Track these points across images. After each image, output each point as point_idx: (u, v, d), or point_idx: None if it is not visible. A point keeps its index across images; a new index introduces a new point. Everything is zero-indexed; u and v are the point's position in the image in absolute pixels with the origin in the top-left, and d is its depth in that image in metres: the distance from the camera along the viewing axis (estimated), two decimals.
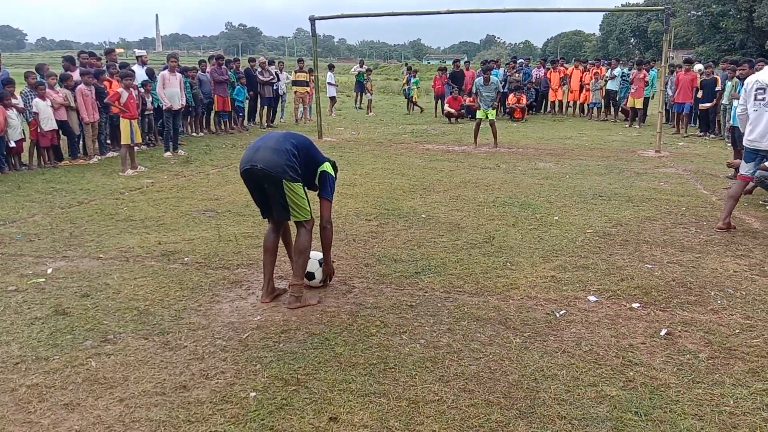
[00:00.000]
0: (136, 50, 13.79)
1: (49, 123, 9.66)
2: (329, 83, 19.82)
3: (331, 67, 20.75)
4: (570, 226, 6.34)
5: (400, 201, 7.50)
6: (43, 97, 9.65)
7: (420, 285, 4.65)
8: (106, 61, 12.03)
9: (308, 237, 4.23)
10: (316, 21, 13.38)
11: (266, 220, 4.46)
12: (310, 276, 4.53)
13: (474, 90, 12.70)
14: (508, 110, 18.24)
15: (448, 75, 19.54)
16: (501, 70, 19.52)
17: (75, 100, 10.11)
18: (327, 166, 4.38)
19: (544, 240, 5.84)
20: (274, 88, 16.12)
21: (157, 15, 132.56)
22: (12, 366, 3.43)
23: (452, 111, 17.96)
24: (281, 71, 17.19)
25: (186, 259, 5.26)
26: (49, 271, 4.94)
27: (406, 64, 21.88)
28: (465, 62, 21.85)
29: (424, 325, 3.95)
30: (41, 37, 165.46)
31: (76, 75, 10.51)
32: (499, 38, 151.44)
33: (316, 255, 4.57)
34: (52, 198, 7.64)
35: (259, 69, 15.80)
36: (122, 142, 9.33)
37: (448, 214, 6.80)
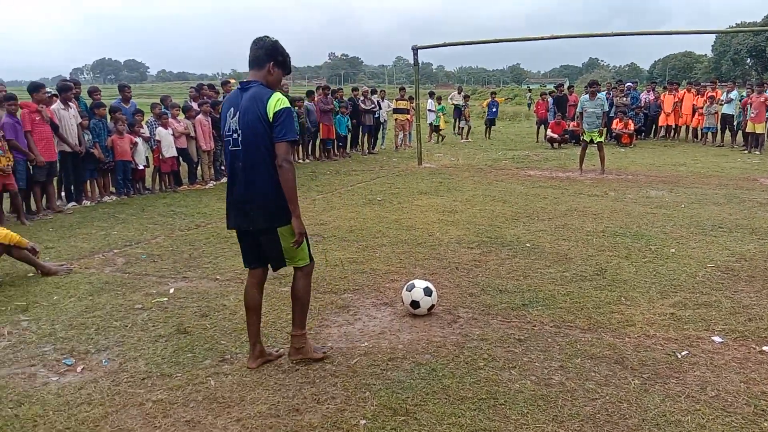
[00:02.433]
0: None
1: (170, 150, 10.40)
2: (429, 110, 20.01)
3: (431, 95, 20.97)
4: (688, 260, 5.97)
5: (502, 229, 7.38)
6: (165, 126, 10.42)
7: (528, 318, 4.53)
8: (223, 93, 12.82)
9: (307, 281, 3.78)
10: (419, 50, 13.60)
11: (248, 270, 3.88)
12: (415, 305, 4.54)
13: (579, 109, 12.33)
14: (614, 135, 17.58)
15: (551, 99, 19.18)
16: (603, 94, 18.89)
17: (194, 130, 10.83)
18: (284, 100, 3.49)
19: (661, 274, 5.53)
20: (376, 116, 16.50)
21: None
22: (139, 381, 3.66)
23: (555, 136, 17.56)
24: (383, 99, 17.57)
25: None
26: (171, 290, 5.27)
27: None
28: (569, 87, 21.34)
29: (534, 360, 3.84)
30: (161, 69, 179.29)
31: (195, 105, 11.27)
32: (602, 61, 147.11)
33: (421, 284, 4.58)
34: (173, 221, 8.18)
35: (362, 98, 16.24)
36: None
37: (555, 244, 6.61)
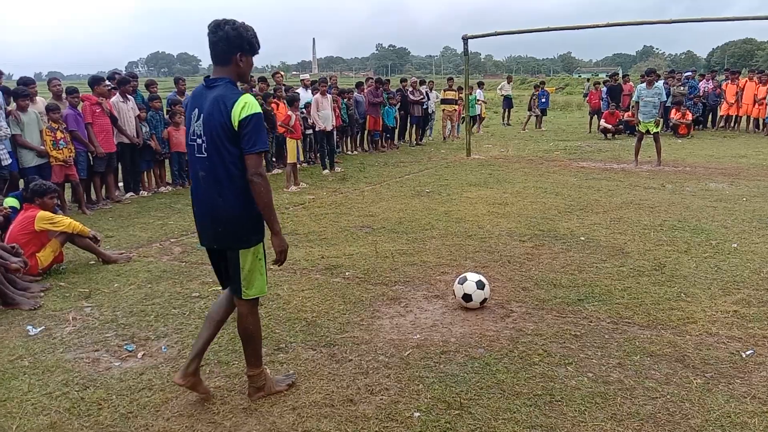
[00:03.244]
0: (300, 74, 14.70)
1: None
2: (478, 100, 19.77)
3: (480, 85, 20.73)
4: (752, 255, 5.73)
5: (555, 222, 7.25)
6: None
7: (584, 313, 4.44)
8: (274, 84, 12.99)
9: (256, 318, 3.36)
10: (469, 40, 13.44)
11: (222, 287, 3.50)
12: (467, 298, 4.50)
13: (635, 98, 11.93)
14: (671, 125, 16.99)
15: (604, 89, 18.69)
16: (660, 83, 18.29)
17: None
18: (251, 104, 2.99)
19: (723, 270, 5.33)
20: (424, 107, 16.42)
21: (314, 39, 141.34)
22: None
23: (609, 126, 17.10)
24: (431, 90, 17.46)
25: (347, 273, 5.48)
26: None
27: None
28: (623, 76, 20.74)
29: (591, 357, 3.76)
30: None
31: None
32: (657, 49, 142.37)
33: (474, 277, 4.54)
34: None
35: (411, 89, 16.18)
36: (288, 161, 10.00)
37: (610, 238, 6.45)
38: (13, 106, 8.09)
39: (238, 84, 3.17)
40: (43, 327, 4.45)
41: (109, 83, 9.52)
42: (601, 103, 18.42)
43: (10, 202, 6.50)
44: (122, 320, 4.53)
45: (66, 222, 5.77)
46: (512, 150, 14.90)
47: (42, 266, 5.62)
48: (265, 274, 3.29)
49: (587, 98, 20.38)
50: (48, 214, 5.76)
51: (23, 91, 8.14)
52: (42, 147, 8.04)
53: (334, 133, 12.22)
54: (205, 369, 3.71)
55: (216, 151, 3.02)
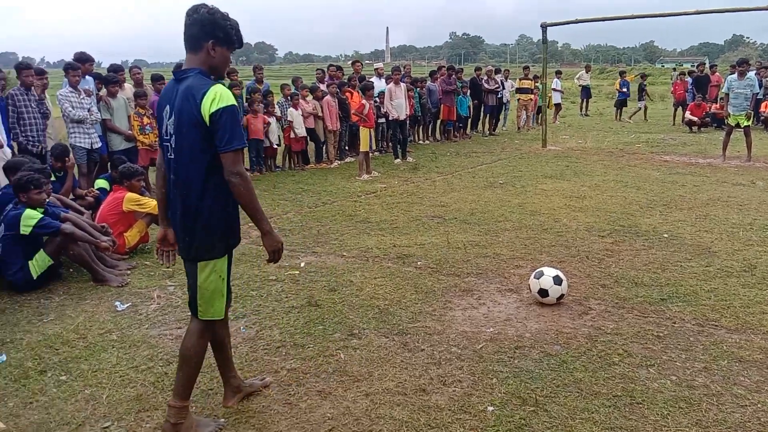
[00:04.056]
0: (375, 63, 14.72)
1: (300, 130, 10.80)
2: (554, 89, 19.26)
3: (558, 74, 20.17)
4: None
5: (636, 217, 6.97)
6: (296, 107, 10.82)
7: (667, 314, 4.25)
8: (353, 72, 13.09)
9: (203, 342, 2.95)
10: (548, 27, 13.07)
11: None
12: (543, 293, 4.40)
13: (725, 90, 11.27)
14: (762, 119, 15.96)
15: (690, 80, 17.77)
16: (753, 74, 17.19)
17: (322, 110, 11.16)
18: (223, 96, 2.67)
19: None
20: (498, 96, 16.12)
21: (387, 28, 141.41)
22: (275, 349, 3.85)
23: (695, 119, 16.26)
24: (506, 79, 17.12)
25: (419, 263, 5.47)
26: (302, 264, 5.49)
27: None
28: (711, 66, 19.63)
29: (674, 359, 3.60)
30: (288, 51, 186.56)
31: (322, 86, 11.60)
32: (747, 38, 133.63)
33: (551, 272, 4.43)
34: (301, 198, 8.50)
35: (485, 77, 15.92)
36: (361, 149, 10.08)
37: (696, 236, 6.14)
38: (103, 92, 8.52)
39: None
40: (130, 303, 4.69)
41: None
42: (687, 94, 17.54)
43: (101, 183, 6.88)
44: None
45: (152, 204, 6.03)
46: (591, 142, 14.42)
47: (129, 245, 5.92)
48: (226, 296, 2.93)
49: (672, 89, 19.43)
50: (135, 195, 6.05)
51: (113, 78, 8.57)
52: (130, 132, 8.44)
53: (407, 122, 12.20)
54: (282, 351, 3.81)
55: (185, 151, 2.72)
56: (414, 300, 4.59)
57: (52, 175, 6.18)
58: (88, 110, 7.77)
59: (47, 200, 5.26)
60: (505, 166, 10.99)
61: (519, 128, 17.35)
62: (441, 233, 6.46)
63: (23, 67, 7.41)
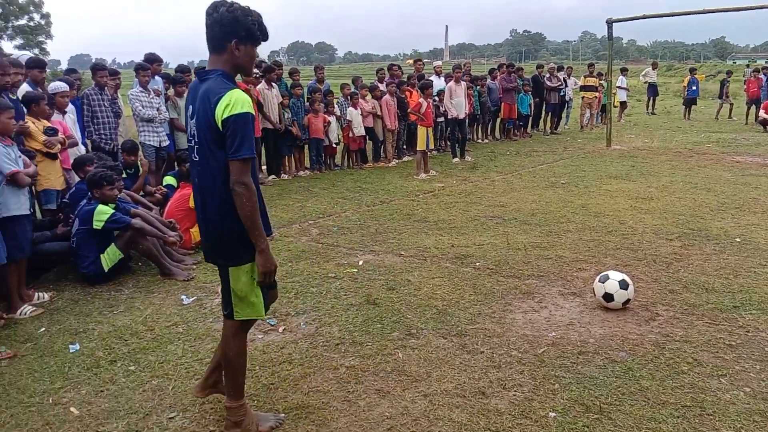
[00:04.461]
0: (434, 62, 14.64)
1: (359, 129, 10.87)
2: (620, 87, 18.68)
3: (623, 71, 19.55)
4: None
5: (706, 220, 6.68)
6: (355, 106, 10.90)
7: (740, 322, 4.05)
8: (413, 71, 13.07)
9: (241, 341, 2.95)
10: (614, 23, 12.68)
11: None
12: (608, 298, 4.27)
13: None
14: (759, 120, 15.01)
15: (763, 77, 16.90)
16: None
17: (380, 109, 11.20)
18: (238, 102, 2.58)
19: None
20: (561, 94, 15.76)
21: (446, 26, 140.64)
22: (334, 346, 3.89)
23: None
24: (569, 77, 16.72)
25: (477, 263, 5.41)
26: (360, 262, 5.53)
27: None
28: None
29: (748, 370, 3.42)
30: (348, 51, 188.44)
31: (382, 86, 11.63)
32: None
33: (616, 276, 4.30)
34: (360, 196, 8.56)
35: (548, 75, 15.59)
36: (418, 148, 10.05)
37: None
38: (171, 91, 8.81)
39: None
40: (195, 297, 4.83)
41: (257, 71, 10.07)
42: (761, 92, 16.68)
43: (168, 180, 7.11)
44: None
45: None
46: (658, 141, 13.92)
47: (194, 241, 6.09)
48: (262, 296, 2.85)
49: (745, 87, 18.53)
50: None
51: (180, 77, 8.85)
52: None
53: (466, 120, 12.09)
54: (341, 348, 3.84)
55: (204, 155, 2.67)
56: (473, 301, 4.54)
57: (123, 172, 6.44)
58: (157, 109, 8.06)
59: (118, 196, 5.48)
60: (567, 166, 10.74)
61: (582, 127, 16.92)
62: (500, 234, 6.37)
63: (98, 68, 7.76)
